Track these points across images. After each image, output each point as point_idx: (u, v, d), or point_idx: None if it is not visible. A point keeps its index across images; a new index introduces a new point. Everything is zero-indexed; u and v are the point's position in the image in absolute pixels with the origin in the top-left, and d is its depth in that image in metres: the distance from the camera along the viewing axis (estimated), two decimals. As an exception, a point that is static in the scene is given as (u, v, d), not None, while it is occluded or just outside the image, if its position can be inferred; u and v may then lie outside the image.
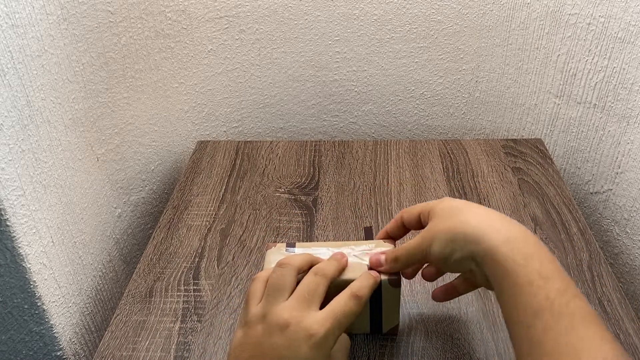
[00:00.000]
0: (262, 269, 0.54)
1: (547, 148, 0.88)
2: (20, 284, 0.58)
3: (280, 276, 0.48)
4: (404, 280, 0.63)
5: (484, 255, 0.45)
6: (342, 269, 0.51)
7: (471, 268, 0.48)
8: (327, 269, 0.49)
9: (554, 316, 0.40)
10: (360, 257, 0.55)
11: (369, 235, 0.61)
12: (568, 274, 0.43)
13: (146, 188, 0.89)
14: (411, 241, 0.51)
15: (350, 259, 0.54)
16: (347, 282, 0.51)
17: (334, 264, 0.50)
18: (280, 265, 0.49)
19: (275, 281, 0.47)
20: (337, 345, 0.47)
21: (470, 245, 0.46)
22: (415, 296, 0.63)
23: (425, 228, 0.51)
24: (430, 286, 0.62)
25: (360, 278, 0.50)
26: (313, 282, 0.47)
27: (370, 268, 0.53)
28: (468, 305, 0.61)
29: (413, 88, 0.96)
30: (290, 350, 0.43)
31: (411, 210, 0.54)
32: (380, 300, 0.54)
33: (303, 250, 0.56)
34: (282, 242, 0.61)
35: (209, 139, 0.97)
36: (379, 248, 0.56)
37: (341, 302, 0.46)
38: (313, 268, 0.49)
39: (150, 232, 0.86)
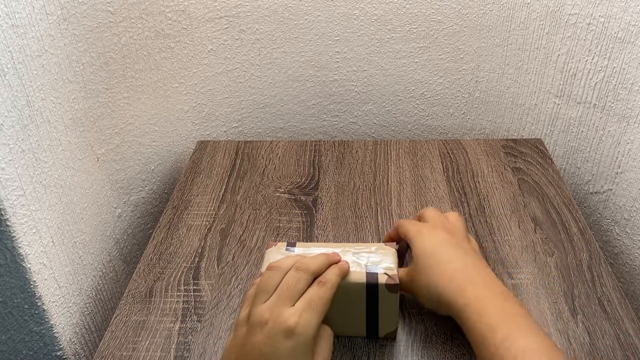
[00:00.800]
0: (261, 268, 0.55)
1: (547, 148, 0.88)
2: (20, 284, 0.58)
3: (267, 278, 0.48)
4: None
5: (459, 315, 0.52)
6: (330, 265, 0.51)
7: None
8: (310, 263, 0.49)
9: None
10: (359, 258, 0.55)
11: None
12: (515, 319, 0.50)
13: (146, 188, 0.89)
14: (402, 274, 0.57)
15: (350, 260, 0.54)
16: (346, 286, 0.51)
17: (319, 259, 0.50)
18: (269, 268, 0.49)
19: (262, 283, 0.48)
20: (320, 338, 0.47)
21: (449, 306, 0.53)
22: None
23: (410, 271, 0.57)
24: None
25: (326, 271, 0.50)
26: (293, 278, 0.47)
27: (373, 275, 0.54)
28: (468, 305, 0.61)
29: (413, 88, 0.96)
30: (270, 345, 0.44)
31: (402, 227, 0.61)
32: (377, 304, 0.54)
33: (303, 250, 0.56)
34: (283, 241, 0.61)
35: (209, 139, 0.97)
36: (381, 251, 0.56)
37: (311, 291, 0.47)
38: (295, 263, 0.49)
39: (150, 232, 0.86)
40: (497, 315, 0.49)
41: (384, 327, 0.57)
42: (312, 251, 0.55)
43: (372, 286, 0.53)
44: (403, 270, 0.58)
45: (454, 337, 0.58)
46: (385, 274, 0.53)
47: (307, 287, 0.47)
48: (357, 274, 0.53)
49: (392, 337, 0.58)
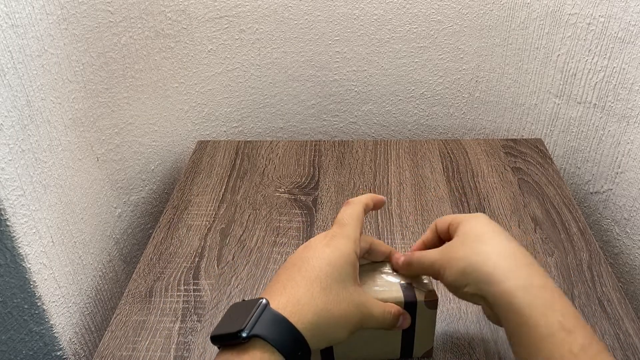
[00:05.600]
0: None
1: (547, 148, 0.88)
2: (20, 284, 0.58)
3: (342, 212, 0.51)
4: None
5: (498, 298, 0.43)
6: (373, 199, 0.53)
7: (482, 304, 0.47)
8: (360, 197, 0.53)
9: None
10: (390, 277, 0.52)
11: None
12: (590, 328, 0.41)
13: (146, 188, 0.89)
14: (429, 254, 0.50)
15: (381, 279, 0.52)
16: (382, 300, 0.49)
17: (366, 195, 0.54)
18: (346, 203, 0.52)
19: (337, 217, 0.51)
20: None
21: (483, 285, 0.44)
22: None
23: (445, 246, 0.49)
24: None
25: None
26: (345, 214, 0.50)
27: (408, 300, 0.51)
28: (468, 305, 0.61)
29: (413, 88, 0.96)
30: (310, 250, 0.47)
31: (443, 220, 0.52)
32: (414, 323, 0.51)
33: None
34: None
35: (209, 139, 0.97)
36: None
37: (340, 212, 0.51)
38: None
39: (150, 232, 0.86)
40: (570, 315, 0.41)
41: (420, 347, 0.54)
42: None
43: (410, 304, 0.50)
44: (434, 250, 0.50)
45: (454, 337, 0.58)
46: (422, 290, 0.51)
47: (361, 216, 0.51)
48: (394, 292, 0.50)
49: (428, 356, 0.55)
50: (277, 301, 0.43)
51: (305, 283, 0.44)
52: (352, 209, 0.50)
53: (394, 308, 0.49)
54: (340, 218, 0.50)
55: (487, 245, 0.46)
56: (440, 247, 0.50)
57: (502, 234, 0.48)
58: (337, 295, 0.44)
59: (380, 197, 0.54)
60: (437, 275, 0.49)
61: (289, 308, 0.42)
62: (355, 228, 0.49)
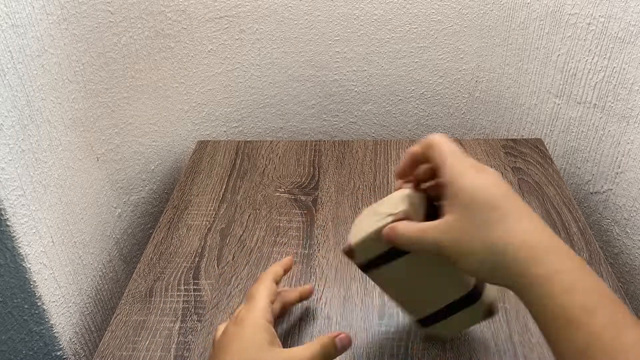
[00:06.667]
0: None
1: (547, 148, 0.88)
2: (20, 284, 0.58)
3: (251, 288, 0.54)
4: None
5: (528, 289, 0.39)
6: (281, 265, 0.57)
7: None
8: (268, 269, 0.57)
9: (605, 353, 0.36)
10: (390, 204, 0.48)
11: None
12: (617, 300, 0.38)
13: (146, 188, 0.89)
14: (426, 233, 0.43)
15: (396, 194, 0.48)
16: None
17: (273, 265, 0.57)
18: (256, 280, 0.55)
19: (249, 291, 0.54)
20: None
21: (513, 277, 0.40)
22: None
23: (445, 225, 0.42)
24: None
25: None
26: (254, 288, 0.53)
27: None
28: (468, 305, 0.61)
29: (413, 88, 0.96)
30: (222, 335, 0.49)
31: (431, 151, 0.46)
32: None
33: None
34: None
35: (209, 139, 0.97)
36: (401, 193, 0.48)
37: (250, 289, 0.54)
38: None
39: (150, 232, 0.86)
40: (592, 294, 0.38)
41: (487, 295, 0.49)
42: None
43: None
44: (431, 224, 0.43)
45: (454, 337, 0.58)
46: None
47: (268, 288, 0.54)
48: (400, 201, 0.47)
49: (493, 312, 0.51)
50: None
51: None
52: (259, 283, 0.54)
53: (320, 342, 0.49)
54: (248, 293, 0.53)
55: (508, 224, 0.41)
56: (443, 224, 0.43)
57: (509, 204, 0.42)
58: None
59: (287, 260, 0.59)
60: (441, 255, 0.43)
61: None
62: (262, 298, 0.51)
